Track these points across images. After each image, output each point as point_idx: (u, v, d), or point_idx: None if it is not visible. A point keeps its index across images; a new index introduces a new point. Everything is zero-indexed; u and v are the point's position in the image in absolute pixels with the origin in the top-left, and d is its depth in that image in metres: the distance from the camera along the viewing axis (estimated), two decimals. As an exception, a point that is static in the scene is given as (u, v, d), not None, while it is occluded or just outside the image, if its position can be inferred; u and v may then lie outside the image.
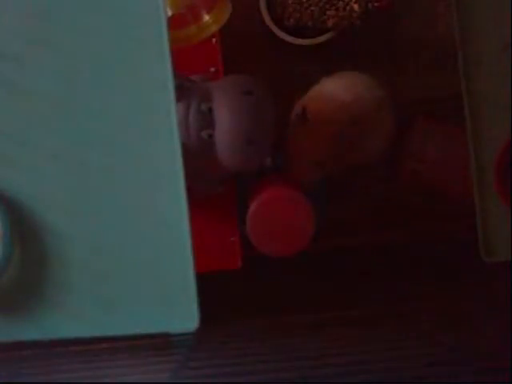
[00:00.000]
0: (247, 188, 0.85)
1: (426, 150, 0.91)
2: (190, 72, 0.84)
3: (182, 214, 0.66)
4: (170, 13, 0.83)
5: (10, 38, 0.67)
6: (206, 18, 0.85)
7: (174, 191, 0.66)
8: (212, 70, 0.87)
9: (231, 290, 0.84)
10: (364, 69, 0.91)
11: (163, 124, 0.66)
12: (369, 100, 0.85)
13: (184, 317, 0.67)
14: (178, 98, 0.68)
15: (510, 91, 0.78)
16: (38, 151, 0.68)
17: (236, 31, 0.89)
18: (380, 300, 0.75)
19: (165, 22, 0.66)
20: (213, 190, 0.84)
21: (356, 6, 0.87)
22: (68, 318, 0.68)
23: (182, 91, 0.75)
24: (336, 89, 0.87)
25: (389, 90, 0.88)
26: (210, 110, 0.76)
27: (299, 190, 0.80)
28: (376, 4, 0.89)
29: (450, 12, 0.80)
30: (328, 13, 0.88)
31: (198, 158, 0.76)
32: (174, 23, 0.83)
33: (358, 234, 0.97)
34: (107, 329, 0.68)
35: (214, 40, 0.87)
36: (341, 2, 0.88)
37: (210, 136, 0.76)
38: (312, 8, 0.88)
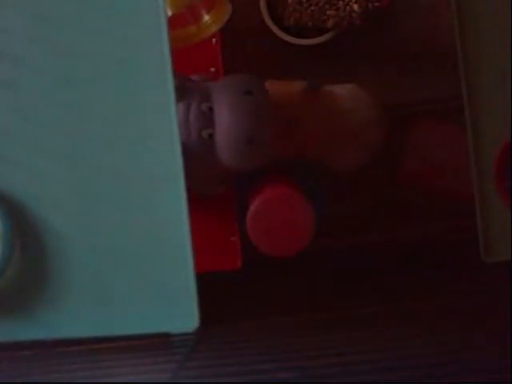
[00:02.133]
0: (247, 188, 0.85)
1: (426, 149, 0.91)
2: (190, 72, 0.84)
3: (182, 214, 0.66)
4: (169, 13, 0.83)
5: (10, 38, 0.67)
6: (206, 18, 0.85)
7: (174, 191, 0.66)
8: (212, 70, 0.87)
9: (231, 290, 0.84)
10: (364, 69, 0.91)
11: (163, 124, 0.66)
12: (352, 119, 0.85)
13: (184, 317, 0.67)
14: (178, 98, 0.68)
15: (510, 91, 0.78)
16: (38, 151, 0.68)
17: (236, 31, 0.89)
18: (380, 300, 0.75)
19: (165, 22, 0.66)
20: (213, 190, 0.84)
21: (356, 6, 0.87)
22: (68, 318, 0.68)
23: (182, 91, 0.75)
24: (339, 89, 0.86)
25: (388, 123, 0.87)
26: (211, 109, 0.76)
27: (299, 190, 0.80)
28: (376, 4, 0.89)
29: (450, 12, 0.80)
30: (328, 13, 0.88)
31: (198, 158, 0.76)
32: (174, 23, 0.83)
33: (358, 234, 0.97)
34: (107, 329, 0.68)
35: (214, 40, 0.87)
36: (341, 2, 0.88)
37: (211, 136, 0.76)
38: (312, 8, 0.88)
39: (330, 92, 0.86)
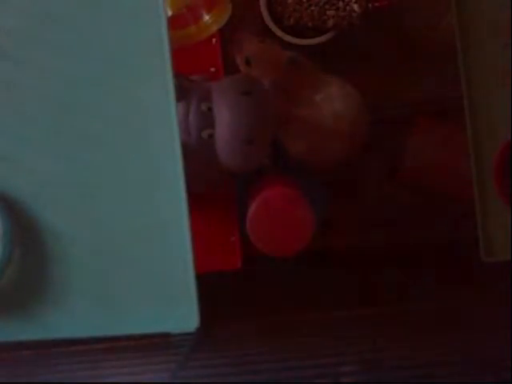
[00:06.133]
0: (247, 188, 0.85)
1: (426, 149, 0.91)
2: (190, 72, 0.84)
3: (182, 214, 0.66)
4: (169, 13, 0.83)
5: (10, 38, 0.67)
6: (206, 17, 0.85)
7: (173, 191, 0.66)
8: (212, 70, 0.87)
9: (231, 290, 0.84)
10: (364, 69, 0.91)
11: (163, 124, 0.66)
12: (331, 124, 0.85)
13: (184, 317, 0.67)
14: (178, 98, 0.68)
15: (510, 91, 0.78)
16: (37, 151, 0.68)
17: (236, 31, 0.89)
18: (380, 300, 0.75)
19: (165, 22, 0.66)
20: (213, 190, 0.84)
21: (356, 6, 0.87)
22: (68, 318, 0.68)
23: (182, 91, 0.75)
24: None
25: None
26: (210, 109, 0.76)
27: (299, 190, 0.80)
28: (376, 4, 0.89)
29: (451, 12, 0.80)
30: (328, 13, 0.88)
31: (198, 158, 0.76)
32: (174, 23, 0.83)
33: (358, 234, 0.97)
34: (107, 329, 0.68)
35: (214, 40, 0.87)
36: (341, 2, 0.88)
37: (211, 136, 0.76)
38: (312, 8, 0.88)
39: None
